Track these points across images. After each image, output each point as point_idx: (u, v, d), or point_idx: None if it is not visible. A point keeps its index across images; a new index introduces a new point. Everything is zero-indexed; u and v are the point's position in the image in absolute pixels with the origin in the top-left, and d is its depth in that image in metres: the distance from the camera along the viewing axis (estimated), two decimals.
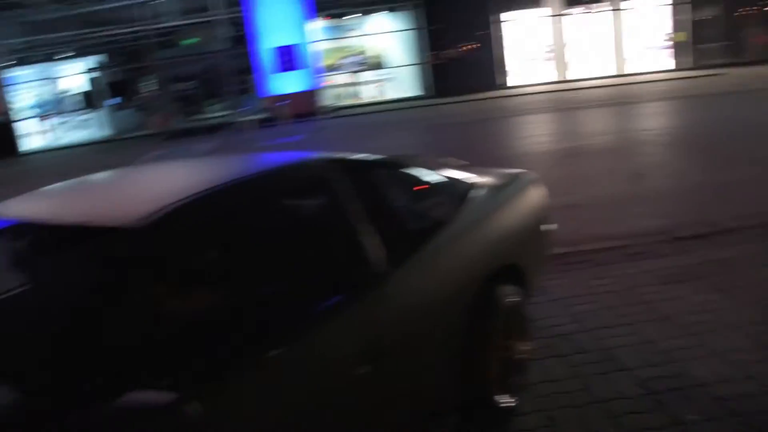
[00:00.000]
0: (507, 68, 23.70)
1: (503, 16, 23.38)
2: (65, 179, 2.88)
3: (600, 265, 4.88)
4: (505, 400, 3.03)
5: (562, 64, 23.73)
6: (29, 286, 2.67)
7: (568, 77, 23.31)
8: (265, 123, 19.80)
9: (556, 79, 23.27)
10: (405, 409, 2.51)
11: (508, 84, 23.37)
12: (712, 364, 3.33)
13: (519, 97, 19.70)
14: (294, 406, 2.00)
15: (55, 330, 1.77)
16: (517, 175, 3.74)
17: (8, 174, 16.67)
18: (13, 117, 22.68)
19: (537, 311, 3.96)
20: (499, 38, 23.40)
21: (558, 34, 23.66)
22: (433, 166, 3.36)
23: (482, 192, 3.28)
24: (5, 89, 22.44)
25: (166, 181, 2.68)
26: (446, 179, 3.30)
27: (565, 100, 17.50)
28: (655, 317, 3.92)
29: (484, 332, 2.86)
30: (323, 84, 22.43)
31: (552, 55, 23.80)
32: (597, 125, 12.88)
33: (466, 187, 3.26)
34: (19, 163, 19.64)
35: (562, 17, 23.53)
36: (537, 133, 12.56)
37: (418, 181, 3.23)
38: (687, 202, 6.72)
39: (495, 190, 3.39)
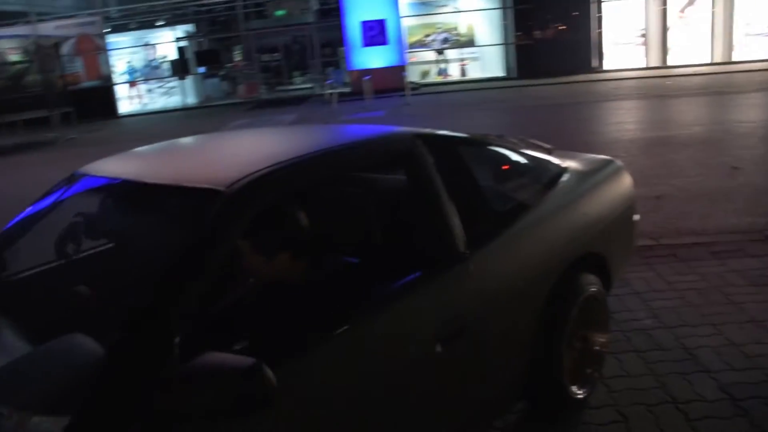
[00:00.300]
0: (601, 50, 22.78)
1: None
2: (159, 141, 3.00)
3: (684, 261, 4.68)
4: (577, 391, 2.97)
5: (662, 49, 22.62)
6: (121, 242, 2.84)
7: (669, 63, 22.23)
8: (349, 97, 19.93)
9: (654, 65, 22.22)
10: (475, 392, 2.49)
11: (604, 67, 22.45)
12: None
13: (612, 81, 18.96)
14: (366, 380, 2.03)
15: (142, 286, 1.83)
16: (604, 162, 3.63)
17: (111, 134, 17.48)
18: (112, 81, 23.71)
19: (615, 304, 3.85)
20: (597, 19, 22.49)
21: (660, 16, 22.54)
22: (521, 147, 3.29)
23: (572, 177, 3.20)
24: (105, 55, 23.42)
25: (256, 147, 2.73)
26: (536, 161, 3.23)
27: (662, 86, 16.75)
28: (742, 319, 3.73)
29: (562, 320, 2.80)
30: (408, 60, 22.35)
31: (651, 38, 22.69)
32: (692, 115, 12.29)
33: (557, 171, 3.20)
34: (118, 125, 20.59)
35: None
36: (627, 119, 12.12)
37: (506, 161, 3.18)
38: None
39: (583, 175, 3.31)
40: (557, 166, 3.26)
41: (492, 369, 2.55)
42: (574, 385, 2.95)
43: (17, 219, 2.59)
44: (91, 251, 2.86)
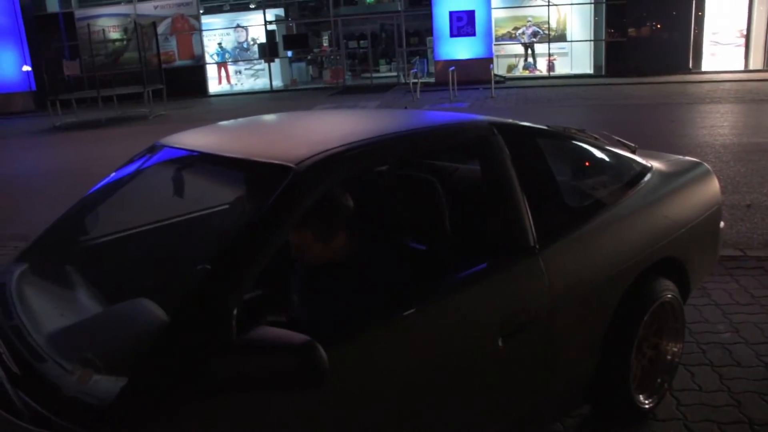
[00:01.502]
0: (699, 51, 21.73)
1: None
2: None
3: None
4: (644, 400, 2.85)
5: (766, 51, 21.32)
6: (194, 213, 2.97)
7: None
8: (433, 87, 19.85)
9: (757, 67, 21.02)
10: (534, 390, 2.43)
11: (703, 68, 21.40)
12: None
13: (708, 83, 18.09)
14: (423, 368, 2.01)
15: (210, 255, 1.88)
16: (691, 164, 3.45)
17: (199, 112, 18.06)
18: (204, 61, 24.44)
19: (692, 314, 3.67)
20: (696, 17, 21.45)
21: (766, 17, 21.27)
22: (603, 144, 3.17)
23: (655, 177, 3.07)
24: (198, 36, 24.15)
25: (330, 127, 2.76)
26: (618, 159, 3.11)
27: (763, 91, 15.83)
28: None
29: (633, 325, 2.69)
30: (494, 53, 22.03)
31: (755, 40, 21.44)
32: None
33: (639, 170, 3.07)
34: (206, 104, 21.25)
35: None
36: (721, 123, 11.53)
37: (586, 156, 3.07)
38: None
39: (667, 176, 3.16)
40: (640, 164, 3.13)
41: (555, 368, 2.47)
42: (641, 393, 2.85)
43: (99, 185, 2.69)
44: (166, 221, 2.98)
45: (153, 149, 2.63)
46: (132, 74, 19.21)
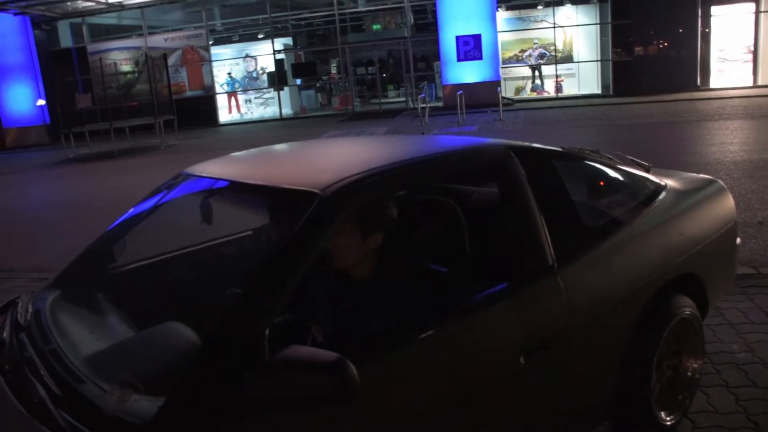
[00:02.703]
0: (707, 68, 21.71)
1: (713, 10, 21.35)
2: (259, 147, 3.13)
3: None
4: (666, 417, 2.85)
5: None
6: (221, 239, 3.07)
7: None
8: (441, 111, 19.94)
9: (765, 83, 20.94)
10: (556, 407, 2.44)
11: (711, 86, 21.36)
12: None
13: (717, 100, 18.06)
14: (446, 386, 2.04)
15: (239, 280, 1.95)
16: (705, 181, 3.48)
17: (210, 141, 18.24)
18: (214, 91, 24.73)
19: (707, 334, 3.61)
20: (703, 35, 21.47)
21: None
22: (617, 163, 3.20)
23: (670, 195, 3.10)
24: (208, 66, 24.48)
25: (351, 153, 2.83)
26: (632, 178, 3.16)
27: None
28: None
29: (653, 342, 2.70)
30: (502, 76, 22.14)
31: (763, 56, 21.36)
32: None
33: (654, 188, 3.11)
34: (217, 133, 21.46)
35: None
36: (731, 140, 11.50)
37: (601, 176, 3.11)
38: None
39: (682, 194, 3.20)
40: (655, 183, 3.17)
41: (576, 386, 2.48)
42: (662, 410, 2.84)
43: (127, 214, 2.77)
44: (194, 247, 3.07)
45: (178, 178, 2.71)
46: (143, 105, 19.54)
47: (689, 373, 3.00)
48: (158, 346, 2.07)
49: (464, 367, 2.09)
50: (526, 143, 2.73)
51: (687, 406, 2.99)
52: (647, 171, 3.34)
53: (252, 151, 3.05)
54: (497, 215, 2.58)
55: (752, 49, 21.44)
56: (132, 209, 2.78)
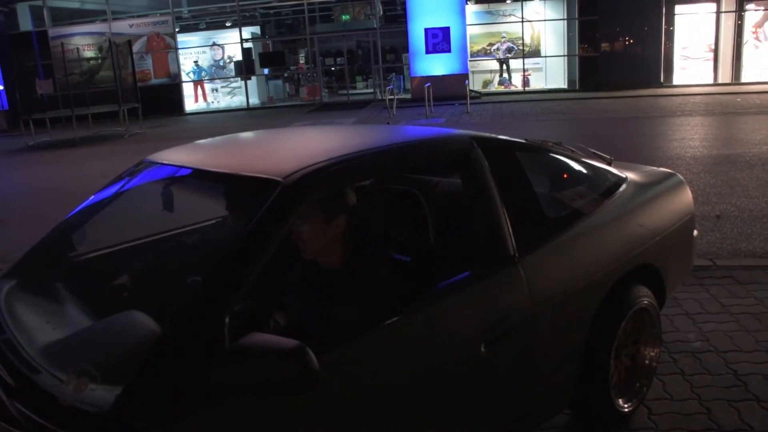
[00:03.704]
0: (670, 65, 22.14)
1: (677, 8, 21.77)
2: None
3: (740, 284, 4.49)
4: (624, 404, 2.92)
5: (733, 65, 21.81)
6: (182, 227, 3.04)
7: (742, 80, 21.46)
8: (409, 103, 19.96)
9: (725, 81, 21.48)
10: (517, 396, 2.48)
11: (674, 82, 21.78)
12: None
13: (679, 97, 18.42)
14: (408, 374, 2.05)
15: (200, 268, 1.94)
16: (664, 175, 3.56)
17: (175, 130, 17.98)
18: (180, 80, 24.38)
19: (664, 324, 3.69)
20: (666, 32, 21.84)
21: (733, 32, 21.74)
22: (579, 156, 3.25)
23: (630, 187, 3.17)
24: (174, 54, 24.11)
25: (314, 142, 2.82)
26: (594, 170, 3.22)
27: (732, 104, 16.19)
28: None
29: (612, 331, 2.76)
30: (470, 69, 22.24)
31: (723, 54, 21.89)
32: (762, 133, 11.80)
33: (615, 181, 3.17)
34: (183, 122, 21.16)
35: (743, 14, 21.59)
36: (691, 136, 11.74)
37: (563, 168, 3.15)
38: None
39: (641, 186, 3.27)
40: (615, 175, 3.23)
41: (537, 373, 2.52)
42: (621, 397, 2.90)
43: (86, 202, 2.72)
44: (155, 236, 3.03)
45: (140, 165, 2.68)
46: (107, 93, 19.13)
47: (647, 362, 3.07)
48: (117, 335, 2.04)
49: (426, 355, 2.10)
50: (490, 134, 2.75)
51: (644, 394, 3.06)
52: (609, 164, 3.39)
53: (216, 139, 3.02)
54: (461, 205, 2.60)
55: (713, 47, 21.90)
56: (92, 197, 2.73)
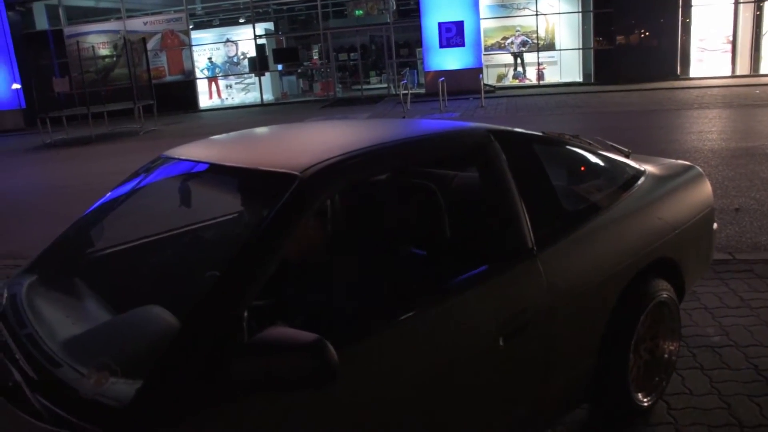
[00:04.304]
0: (687, 57, 21.90)
1: (694, 0, 21.49)
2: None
3: (761, 278, 4.43)
4: (643, 399, 2.89)
5: (752, 57, 21.52)
6: (201, 222, 3.05)
7: (761, 71, 21.15)
8: (423, 98, 19.91)
9: (743, 73, 21.19)
10: (535, 389, 2.47)
11: (691, 75, 21.54)
12: None
13: (696, 89, 18.22)
14: (426, 368, 2.04)
15: (219, 262, 1.94)
16: (683, 167, 3.53)
17: (190, 126, 18.08)
18: (194, 76, 24.48)
19: (683, 318, 3.66)
20: (683, 24, 21.63)
21: (751, 23, 21.43)
22: (597, 149, 3.22)
23: (649, 180, 3.14)
24: (188, 51, 24.21)
25: (331, 137, 2.81)
26: (612, 163, 3.19)
27: (750, 96, 15.97)
28: None
29: (630, 325, 2.74)
30: (484, 63, 22.14)
31: (741, 46, 21.61)
32: None
33: (633, 174, 3.15)
34: (197, 118, 21.26)
35: (762, 4, 21.27)
36: (709, 129, 11.61)
37: (581, 161, 3.13)
38: None
39: (660, 179, 3.24)
40: (634, 168, 3.20)
41: (555, 368, 2.50)
42: (640, 392, 2.88)
43: (105, 198, 2.73)
44: (173, 231, 3.06)
45: (157, 161, 2.68)
46: (122, 90, 19.26)
47: (666, 356, 3.04)
48: (137, 330, 2.04)
49: (444, 349, 2.09)
50: (507, 127, 2.73)
51: (663, 389, 3.03)
52: (627, 156, 3.36)
53: (231, 134, 3.02)
54: (478, 199, 2.59)
55: (731, 39, 21.62)
56: (110, 193, 2.74)
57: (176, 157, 2.58)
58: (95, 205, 2.72)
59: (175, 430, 1.58)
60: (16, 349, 1.95)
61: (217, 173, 2.45)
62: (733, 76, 20.94)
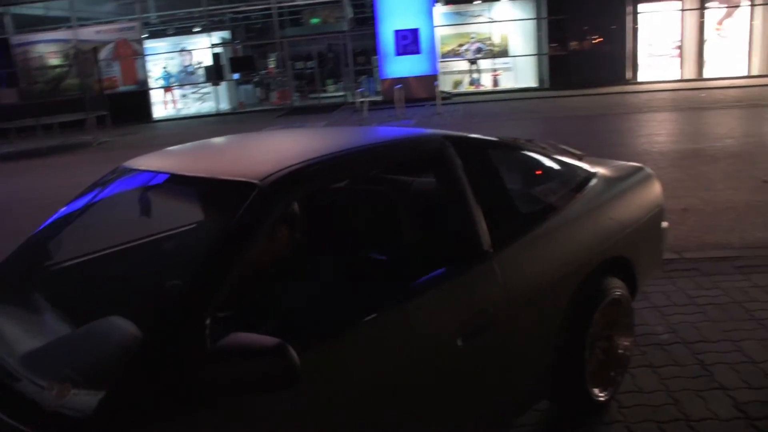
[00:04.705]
0: (636, 62, 22.48)
1: (640, 7, 22.15)
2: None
3: (706, 276, 4.58)
4: (599, 394, 2.98)
5: (697, 62, 22.25)
6: (160, 232, 3.05)
7: (704, 75, 21.88)
8: (380, 105, 19.98)
9: (690, 77, 21.87)
10: (496, 388, 2.53)
11: (638, 79, 22.18)
12: None
13: (645, 93, 18.70)
14: (387, 369, 2.09)
15: (180, 271, 1.99)
16: (633, 169, 3.65)
17: (144, 137, 17.79)
18: (148, 86, 24.13)
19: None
20: (633, 30, 22.21)
21: (696, 29, 22.16)
22: (552, 153, 3.31)
23: (601, 182, 3.25)
24: (142, 60, 23.87)
25: (289, 145, 2.84)
26: (565, 166, 3.28)
27: (696, 99, 16.46)
28: (763, 336, 3.64)
29: (586, 322, 2.83)
30: (440, 70, 22.33)
31: (687, 51, 22.28)
32: (725, 127, 12.06)
33: (586, 175, 3.24)
34: (152, 129, 20.93)
35: (705, 11, 22.01)
36: (658, 131, 11.93)
37: (536, 165, 3.24)
38: None
39: (612, 181, 3.35)
40: (586, 171, 3.30)
41: (514, 367, 2.57)
42: (596, 387, 2.96)
43: (63, 211, 2.69)
44: (132, 242, 3.04)
45: (116, 172, 2.67)
46: (74, 101, 18.86)
47: (620, 351, 3.13)
48: (98, 340, 2.04)
49: (404, 350, 2.13)
50: (462, 133, 2.79)
51: (619, 383, 3.12)
52: (580, 159, 3.46)
53: (190, 144, 3.02)
54: (435, 204, 2.64)
55: (678, 44, 22.27)
56: (67, 205, 2.70)
57: (136, 167, 2.58)
58: (52, 218, 2.68)
59: None
60: None
61: (177, 183, 2.45)
62: (681, 80, 21.55)
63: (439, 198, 2.61)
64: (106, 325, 2.05)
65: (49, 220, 2.67)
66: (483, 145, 2.85)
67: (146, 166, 2.55)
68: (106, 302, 2.34)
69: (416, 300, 2.23)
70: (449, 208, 2.53)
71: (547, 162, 3.22)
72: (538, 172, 3.28)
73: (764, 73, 21.18)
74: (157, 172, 2.49)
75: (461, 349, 2.26)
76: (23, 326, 2.27)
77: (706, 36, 22.10)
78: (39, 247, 2.66)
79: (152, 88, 24.35)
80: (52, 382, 1.72)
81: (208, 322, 1.71)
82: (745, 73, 21.43)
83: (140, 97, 23.77)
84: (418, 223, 2.56)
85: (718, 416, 2.94)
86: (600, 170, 3.37)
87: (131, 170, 2.59)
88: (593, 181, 3.20)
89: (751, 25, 21.78)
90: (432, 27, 21.61)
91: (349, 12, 23.88)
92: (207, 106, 24.86)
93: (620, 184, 3.37)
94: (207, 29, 24.07)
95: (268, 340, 1.64)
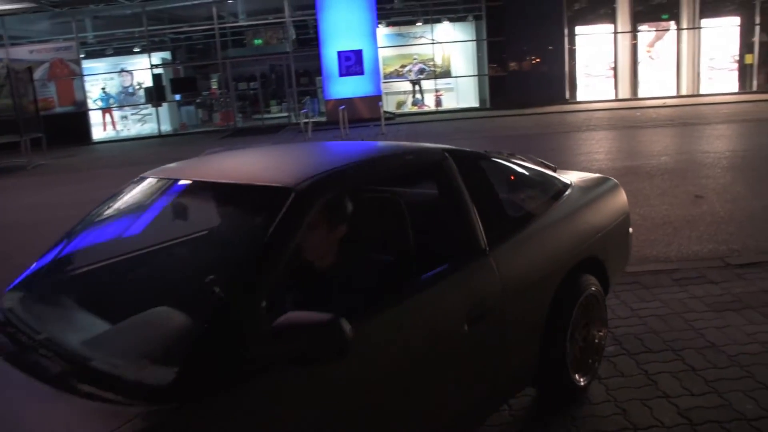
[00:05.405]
0: (574, 83, 23.24)
1: (577, 29, 22.96)
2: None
3: (646, 288, 4.74)
4: (579, 379, 3.27)
5: (632, 82, 23.16)
6: (197, 235, 3.23)
7: (638, 95, 22.77)
8: (324, 126, 20.03)
9: (625, 97, 22.72)
10: (493, 370, 2.78)
11: (577, 99, 22.91)
12: (758, 397, 3.19)
13: (583, 113, 19.29)
14: (409, 347, 2.34)
15: (227, 268, 2.23)
16: (601, 179, 4.04)
17: (82, 160, 17.32)
18: (87, 107, 23.56)
19: None
20: (570, 52, 22.96)
21: (629, 51, 23.09)
22: (530, 164, 3.70)
23: (575, 191, 3.60)
24: (80, 81, 23.33)
25: (311, 155, 3.13)
26: (544, 176, 3.62)
27: (631, 118, 17.09)
28: (702, 345, 3.78)
29: (567, 314, 3.13)
30: (383, 90, 22.54)
31: (621, 72, 23.18)
32: (659, 145, 12.53)
33: (562, 185, 3.59)
34: (90, 151, 20.40)
35: (636, 34, 22.97)
36: (596, 149, 12.30)
37: (519, 175, 3.58)
38: (743, 228, 6.44)
39: (584, 190, 3.72)
40: (561, 181, 3.64)
41: (509, 350, 2.85)
42: (577, 373, 3.26)
43: (91, 216, 2.84)
44: (171, 241, 3.20)
45: (139, 182, 2.85)
46: (6, 122, 18.17)
47: (596, 341, 3.45)
48: (157, 326, 2.23)
49: (421, 333, 2.40)
50: (459, 147, 3.13)
51: (596, 369, 3.46)
52: (554, 171, 3.79)
53: (219, 154, 3.26)
54: (433, 209, 2.96)
55: (613, 65, 23.13)
56: (94, 212, 2.85)
57: (157, 176, 2.79)
58: (78, 224, 2.82)
59: (214, 399, 1.77)
60: (41, 349, 2.07)
61: (213, 190, 2.72)
62: (616, 100, 22.37)
63: (441, 202, 2.92)
64: (161, 314, 2.25)
65: (75, 226, 2.82)
66: (475, 157, 3.18)
67: (167, 175, 2.79)
68: (151, 296, 2.55)
69: (427, 291, 2.50)
70: (451, 211, 2.82)
71: (528, 173, 3.59)
72: (521, 181, 3.62)
73: (692, 93, 22.20)
74: (182, 180, 2.76)
75: (468, 333, 2.54)
76: (71, 320, 2.43)
77: (639, 57, 23.04)
78: (68, 252, 2.77)
79: (91, 110, 23.82)
80: (127, 360, 1.95)
81: (264, 305, 1.91)
82: (675, 93, 22.39)
83: (78, 119, 23.19)
84: (419, 228, 2.74)
85: (663, 423, 3.03)
86: (573, 180, 3.73)
87: (150, 178, 2.81)
88: (569, 191, 3.55)
89: (678, 48, 22.82)
90: (375, 48, 21.84)
91: (292, 33, 23.92)
92: (148, 128, 24.43)
93: (592, 192, 3.75)
94: (147, 49, 23.71)
95: (323, 315, 1.84)
